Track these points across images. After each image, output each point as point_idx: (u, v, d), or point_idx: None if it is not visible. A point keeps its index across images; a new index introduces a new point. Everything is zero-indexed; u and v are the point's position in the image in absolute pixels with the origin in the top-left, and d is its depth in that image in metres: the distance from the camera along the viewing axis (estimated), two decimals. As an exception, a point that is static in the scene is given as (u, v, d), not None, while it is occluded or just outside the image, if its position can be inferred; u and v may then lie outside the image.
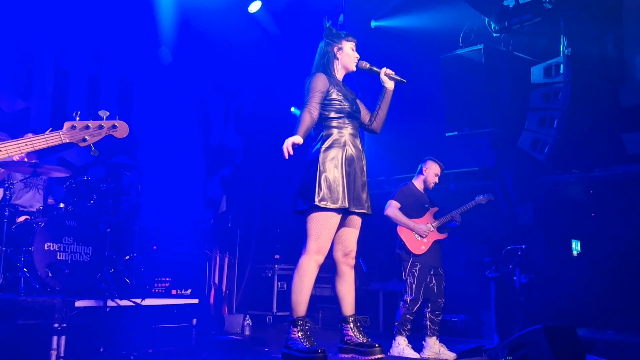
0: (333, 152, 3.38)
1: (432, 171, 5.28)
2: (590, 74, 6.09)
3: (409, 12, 7.19)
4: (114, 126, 2.85)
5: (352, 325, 3.43)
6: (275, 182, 8.15)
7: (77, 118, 2.77)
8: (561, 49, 6.04)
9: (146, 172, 6.38)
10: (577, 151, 6.11)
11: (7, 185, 4.95)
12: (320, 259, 3.34)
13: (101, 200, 5.53)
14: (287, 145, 3.25)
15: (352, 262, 3.52)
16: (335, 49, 3.59)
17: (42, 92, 6.42)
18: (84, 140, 2.77)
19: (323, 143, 3.41)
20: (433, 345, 5.01)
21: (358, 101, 3.63)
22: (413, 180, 5.36)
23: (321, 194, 3.28)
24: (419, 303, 4.97)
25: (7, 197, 4.89)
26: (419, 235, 5.05)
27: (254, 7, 7.38)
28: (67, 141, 2.76)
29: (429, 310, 5.07)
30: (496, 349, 4.96)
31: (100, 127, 2.81)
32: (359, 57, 3.62)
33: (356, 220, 3.50)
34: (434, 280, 5.08)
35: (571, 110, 5.90)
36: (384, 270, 7.30)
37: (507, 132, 6.40)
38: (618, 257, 5.80)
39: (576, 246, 6.33)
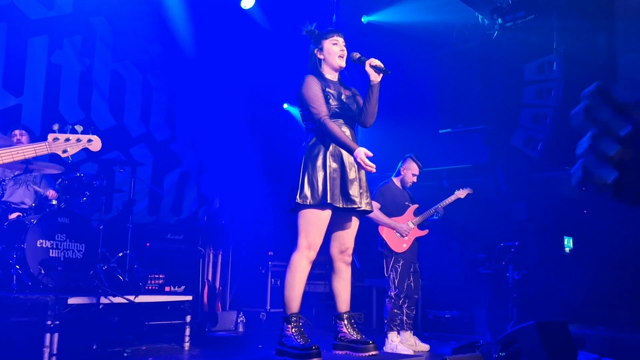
0: (317, 149, 3.37)
1: (409, 171, 5.31)
2: (583, 71, 6.11)
3: (402, 9, 7.19)
4: (90, 140, 3.19)
5: (346, 322, 3.43)
6: (268, 179, 8.15)
7: (56, 130, 2.99)
8: (554, 46, 6.06)
9: (139, 168, 6.35)
10: (570, 148, 6.12)
11: (-2, 181, 4.92)
12: (312, 255, 3.33)
13: (94, 197, 5.50)
14: (365, 161, 3.18)
15: (349, 259, 3.52)
16: (316, 52, 3.55)
17: (34, 88, 6.38)
18: (65, 151, 3.12)
19: (309, 141, 3.42)
20: (408, 338, 5.09)
21: (358, 97, 3.59)
22: (393, 178, 5.40)
23: (303, 192, 3.28)
24: (403, 296, 5.03)
25: (-1, 194, 4.87)
26: (400, 234, 5.08)
27: (247, 4, 7.36)
28: (52, 152, 3.15)
29: (405, 305, 5.13)
30: (489, 345, 4.99)
31: (78, 140, 3.15)
32: (344, 50, 3.52)
33: (351, 217, 3.50)
34: (411, 277, 5.16)
35: (564, 107, 5.92)
36: (377, 267, 7.30)
37: (500, 129, 6.42)
38: (610, 253, 5.84)
39: (568, 243, 6.36)
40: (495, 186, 6.42)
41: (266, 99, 8.31)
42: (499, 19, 6.23)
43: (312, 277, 7.25)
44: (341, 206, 3.34)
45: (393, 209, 5.18)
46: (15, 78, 6.23)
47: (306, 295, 3.45)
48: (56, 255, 4.87)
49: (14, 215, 5.16)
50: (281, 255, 7.64)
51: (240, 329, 6.49)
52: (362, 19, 7.53)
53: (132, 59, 7.29)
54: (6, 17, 6.11)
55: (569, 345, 3.88)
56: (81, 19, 6.67)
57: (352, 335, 3.38)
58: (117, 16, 6.83)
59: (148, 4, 6.84)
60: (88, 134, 3.16)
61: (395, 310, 4.99)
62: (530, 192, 6.42)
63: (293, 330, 3.27)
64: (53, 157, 6.28)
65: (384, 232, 5.14)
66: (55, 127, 3.07)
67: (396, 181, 5.36)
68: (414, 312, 5.22)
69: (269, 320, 7.28)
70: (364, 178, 3.48)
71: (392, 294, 5.02)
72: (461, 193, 5.34)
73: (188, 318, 5.07)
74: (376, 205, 5.11)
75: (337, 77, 3.60)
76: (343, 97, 3.49)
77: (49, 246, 4.84)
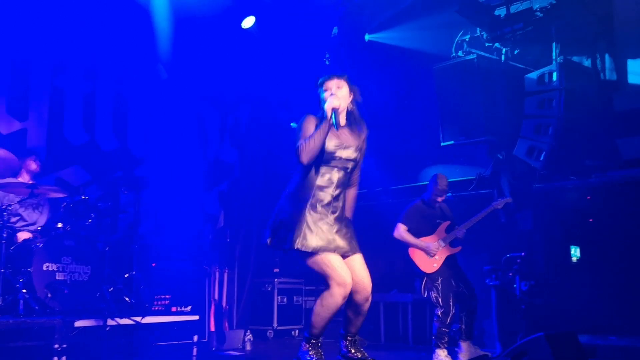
0: (301, 194, 3.34)
1: (432, 192, 5.26)
2: (584, 80, 6.12)
3: (402, 24, 7.23)
4: None
5: (349, 341, 3.43)
6: (272, 196, 8.13)
7: None
8: (554, 57, 6.09)
9: (144, 189, 6.37)
10: (573, 157, 6.13)
11: (4, 207, 4.94)
12: (347, 290, 3.25)
13: (99, 219, 5.52)
14: (330, 102, 3.25)
15: (369, 295, 3.46)
16: (320, 101, 3.48)
17: (38, 112, 6.43)
18: None
19: (295, 186, 3.41)
20: (468, 348, 5.03)
21: (360, 151, 3.48)
22: (423, 197, 5.36)
23: (302, 238, 3.23)
24: (452, 313, 4.96)
25: (5, 219, 4.88)
26: (428, 254, 5.06)
27: (248, 23, 7.42)
28: None
29: (464, 314, 5.07)
30: (499, 358, 4.95)
31: None
32: (333, 94, 3.39)
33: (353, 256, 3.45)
34: (461, 286, 5.07)
35: (566, 117, 5.93)
36: (384, 281, 7.28)
37: (503, 140, 6.42)
38: (617, 261, 5.80)
39: (575, 252, 6.33)
40: (499, 197, 6.40)
41: (268, 115, 8.33)
42: (498, 31, 6.25)
43: (318, 293, 7.22)
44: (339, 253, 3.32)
45: (423, 229, 5.15)
46: (19, 102, 6.28)
47: (311, 311, 3.44)
48: (62, 278, 4.88)
49: (23, 235, 5.19)
50: (287, 272, 7.63)
51: (248, 347, 6.46)
52: (365, 37, 7.54)
53: (134, 80, 7.34)
54: (9, 41, 6.18)
55: (579, 356, 3.85)
56: (84, 41, 6.73)
57: (355, 354, 3.38)
58: (119, 38, 6.89)
59: (149, 26, 6.91)
60: None
61: (444, 329, 4.92)
62: (535, 202, 6.41)
63: (309, 347, 3.30)
64: (59, 181, 6.33)
65: (414, 254, 5.10)
66: None
67: (426, 200, 5.33)
68: (473, 320, 5.12)
69: (276, 338, 7.25)
70: (345, 222, 3.42)
71: (439, 312, 4.94)
72: (498, 204, 5.29)
73: (195, 338, 5.07)
74: (403, 227, 5.13)
75: (344, 120, 3.49)
76: (341, 143, 3.40)
77: (55, 269, 4.86)
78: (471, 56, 6.44)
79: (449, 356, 4.93)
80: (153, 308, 5.57)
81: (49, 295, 4.70)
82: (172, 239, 7.40)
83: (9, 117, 6.16)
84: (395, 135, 7.40)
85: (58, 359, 4.00)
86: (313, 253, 3.24)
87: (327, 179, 3.35)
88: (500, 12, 6.35)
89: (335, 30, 7.32)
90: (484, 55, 6.50)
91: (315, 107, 3.51)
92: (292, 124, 8.31)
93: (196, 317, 5.19)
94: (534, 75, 6.09)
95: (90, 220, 5.38)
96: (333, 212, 3.34)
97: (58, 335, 4.05)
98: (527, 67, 6.36)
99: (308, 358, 3.28)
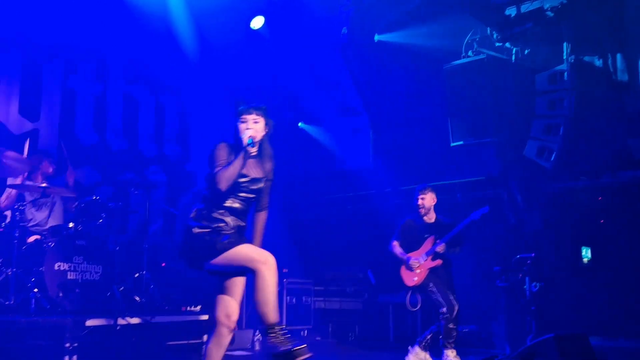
0: (209, 218, 3.40)
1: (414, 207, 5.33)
2: (595, 80, 6.08)
3: (411, 24, 7.21)
4: None
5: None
6: (279, 194, 8.15)
7: None
8: (564, 57, 6.05)
9: (154, 189, 6.41)
10: (584, 158, 6.09)
11: (16, 206, 4.98)
12: (272, 263, 3.42)
13: (110, 219, 5.56)
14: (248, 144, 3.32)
15: None
16: (236, 129, 3.54)
17: (50, 113, 6.48)
18: None
19: (201, 209, 3.44)
20: (419, 352, 5.20)
21: (266, 182, 3.62)
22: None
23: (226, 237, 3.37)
24: (456, 309, 4.99)
25: (17, 219, 4.92)
26: (409, 268, 5.15)
27: (257, 23, 7.44)
28: None
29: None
30: (508, 359, 4.93)
31: None
32: (249, 128, 3.50)
33: None
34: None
35: (576, 117, 5.89)
36: (392, 282, 7.27)
37: (513, 140, 6.40)
38: (629, 262, 5.76)
39: (586, 253, 6.29)
40: (509, 198, 6.38)
41: (274, 115, 8.33)
42: (508, 31, 6.23)
43: (328, 293, 7.23)
44: None
45: (413, 244, 5.25)
46: (31, 103, 6.33)
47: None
48: (74, 278, 4.92)
49: (32, 238, 5.23)
50: (296, 272, 7.63)
51: (257, 347, 6.47)
52: (375, 38, 7.52)
53: (144, 81, 7.39)
54: (22, 43, 6.24)
55: (589, 358, 3.83)
56: (95, 43, 6.78)
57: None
58: (129, 41, 6.93)
59: (158, 27, 6.94)
60: None
61: (450, 326, 4.96)
62: (545, 203, 6.37)
63: (274, 337, 3.35)
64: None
65: (401, 267, 5.23)
66: None
67: (415, 215, 5.37)
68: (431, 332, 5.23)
69: (285, 338, 7.24)
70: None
71: (444, 309, 4.99)
72: (477, 216, 5.25)
73: (205, 337, 5.07)
74: (394, 242, 5.29)
75: (256, 151, 3.57)
76: (248, 174, 3.49)
77: (67, 269, 4.89)
78: (481, 56, 6.42)
79: (457, 356, 4.93)
80: (163, 307, 5.59)
81: (61, 294, 4.73)
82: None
83: (20, 118, 6.22)
84: (404, 136, 7.38)
85: (69, 357, 4.03)
86: (228, 251, 3.38)
87: (231, 206, 3.46)
88: (511, 11, 6.32)
89: (344, 30, 7.30)
90: (494, 55, 6.48)
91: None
92: (300, 124, 8.33)
93: (206, 317, 5.20)
94: (544, 75, 6.06)
95: (101, 221, 5.41)
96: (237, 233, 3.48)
97: (69, 334, 4.08)
98: (538, 67, 6.32)
99: (282, 349, 3.28)
